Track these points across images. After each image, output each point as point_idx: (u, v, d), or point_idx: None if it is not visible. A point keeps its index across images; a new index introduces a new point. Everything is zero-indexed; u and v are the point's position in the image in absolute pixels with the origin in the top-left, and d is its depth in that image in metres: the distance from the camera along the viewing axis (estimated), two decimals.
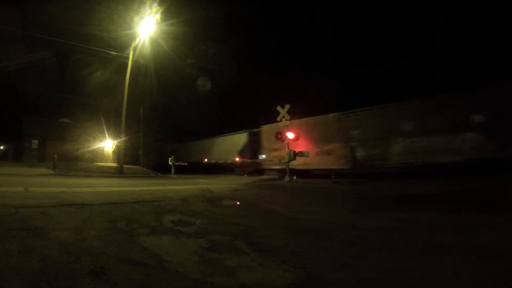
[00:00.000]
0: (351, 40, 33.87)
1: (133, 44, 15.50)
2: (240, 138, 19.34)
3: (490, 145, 8.80)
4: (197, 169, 22.04)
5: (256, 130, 17.81)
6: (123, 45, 15.72)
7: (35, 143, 22.45)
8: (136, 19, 14.71)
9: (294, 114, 12.26)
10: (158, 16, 14.40)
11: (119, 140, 16.96)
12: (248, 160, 18.17)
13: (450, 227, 3.82)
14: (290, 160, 11.31)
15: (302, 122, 13.76)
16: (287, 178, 11.14)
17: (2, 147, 29.18)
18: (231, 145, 20.21)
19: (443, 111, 9.74)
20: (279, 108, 11.91)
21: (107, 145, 23.54)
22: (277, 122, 12.37)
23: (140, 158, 23.03)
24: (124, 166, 16.15)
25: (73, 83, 24.26)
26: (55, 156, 14.63)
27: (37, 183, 7.21)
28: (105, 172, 15.36)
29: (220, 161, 21.28)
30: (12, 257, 2.17)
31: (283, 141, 11.63)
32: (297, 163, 12.33)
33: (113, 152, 23.75)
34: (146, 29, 14.94)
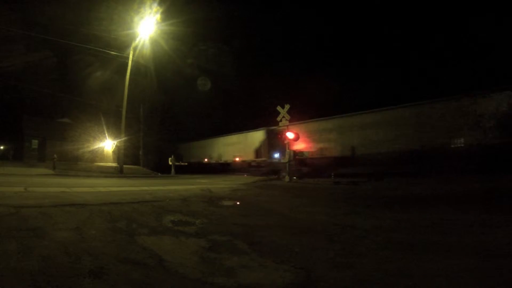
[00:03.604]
0: (351, 40, 33.94)
1: (133, 44, 15.50)
2: None
3: None
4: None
5: None
6: (123, 45, 15.76)
7: (35, 143, 22.47)
8: (136, 19, 14.75)
9: (294, 114, 12.31)
10: (158, 16, 14.43)
11: (119, 140, 16.96)
12: None
13: (450, 227, 3.82)
14: (290, 160, 11.32)
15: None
16: (287, 178, 11.14)
17: (2, 147, 29.16)
18: None
19: None
20: (279, 108, 11.92)
21: (107, 145, 23.53)
22: None
23: (140, 158, 23.01)
24: (124, 166, 16.14)
25: (73, 83, 24.26)
26: (55, 156, 14.63)
27: (37, 183, 7.21)
28: (105, 172, 15.37)
29: None
30: (12, 257, 2.17)
31: (283, 141, 11.64)
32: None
33: (113, 152, 23.74)
34: (146, 29, 14.95)
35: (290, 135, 11.44)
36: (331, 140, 15.62)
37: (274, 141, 16.66)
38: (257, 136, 19.58)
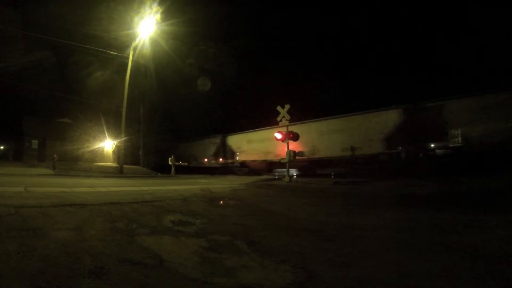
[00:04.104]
0: (351, 41, 33.97)
1: (133, 44, 15.52)
2: None
3: None
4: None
5: None
6: (123, 45, 15.79)
7: (35, 143, 22.50)
8: (136, 19, 14.77)
9: (294, 114, 12.26)
10: (158, 16, 14.44)
11: (119, 140, 16.97)
12: None
13: (450, 227, 3.82)
14: (290, 160, 11.32)
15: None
16: (287, 178, 11.14)
17: (2, 147, 29.15)
18: None
19: None
20: (279, 108, 11.92)
21: (107, 145, 23.55)
22: None
23: (140, 158, 23.01)
24: (124, 166, 16.15)
25: (73, 83, 24.28)
26: (55, 156, 14.64)
27: (37, 183, 7.21)
28: (105, 172, 15.36)
29: None
30: (12, 257, 2.17)
31: (283, 141, 11.64)
32: None
33: (113, 152, 23.77)
34: (146, 29, 14.97)
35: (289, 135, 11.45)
36: None
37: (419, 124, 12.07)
38: (386, 119, 13.28)
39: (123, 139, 16.44)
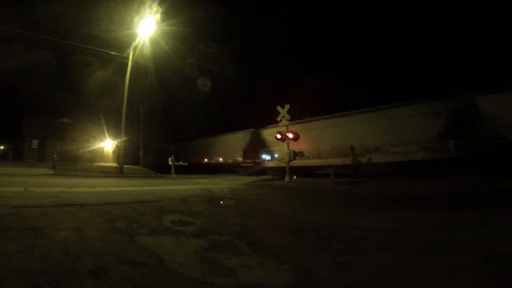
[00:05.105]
0: (351, 40, 33.96)
1: (133, 44, 15.51)
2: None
3: None
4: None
5: None
6: (123, 45, 15.76)
7: (35, 143, 22.47)
8: (136, 19, 14.76)
9: (294, 115, 12.22)
10: (158, 16, 14.42)
11: (119, 140, 16.96)
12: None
13: (450, 227, 3.82)
14: (290, 160, 11.31)
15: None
16: (287, 178, 11.13)
17: (2, 147, 29.17)
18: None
19: None
20: (279, 108, 11.91)
21: (107, 145, 23.52)
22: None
23: (140, 158, 22.97)
24: (124, 166, 16.13)
25: (73, 83, 24.24)
26: (55, 156, 14.63)
27: (37, 183, 7.21)
28: (105, 172, 15.35)
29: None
30: (12, 257, 2.17)
31: (283, 141, 11.63)
32: None
33: (113, 152, 23.73)
34: (146, 29, 14.95)
35: (290, 135, 11.43)
36: None
37: None
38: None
39: (123, 139, 16.43)
